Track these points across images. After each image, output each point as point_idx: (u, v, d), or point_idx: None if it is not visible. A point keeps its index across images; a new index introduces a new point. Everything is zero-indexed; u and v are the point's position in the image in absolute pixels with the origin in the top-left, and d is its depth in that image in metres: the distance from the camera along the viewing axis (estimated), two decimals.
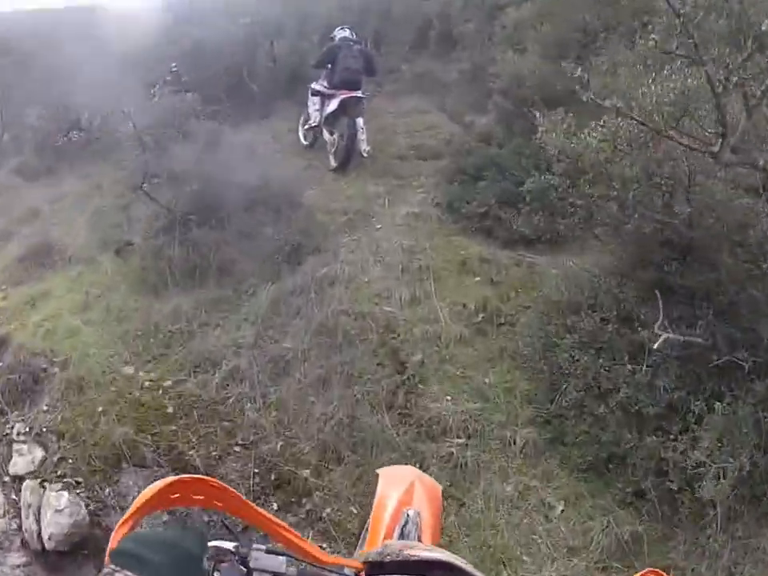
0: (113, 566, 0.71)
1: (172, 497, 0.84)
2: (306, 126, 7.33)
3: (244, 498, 0.87)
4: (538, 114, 4.10)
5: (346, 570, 1.00)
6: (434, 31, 9.55)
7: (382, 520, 1.55)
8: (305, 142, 7.56)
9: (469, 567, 0.91)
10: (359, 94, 6.80)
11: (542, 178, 4.60)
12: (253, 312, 4.83)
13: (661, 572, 0.93)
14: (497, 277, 5.00)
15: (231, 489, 0.87)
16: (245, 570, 0.89)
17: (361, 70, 6.88)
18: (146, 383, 4.47)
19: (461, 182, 5.86)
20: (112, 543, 0.78)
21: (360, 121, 6.69)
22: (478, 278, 5.03)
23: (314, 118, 7.12)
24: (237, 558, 0.89)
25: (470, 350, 4.45)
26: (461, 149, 6.31)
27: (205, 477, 0.87)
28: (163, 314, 4.99)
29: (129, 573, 0.70)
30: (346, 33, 7.22)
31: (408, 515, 1.50)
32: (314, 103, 7.13)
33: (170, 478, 0.84)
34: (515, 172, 5.40)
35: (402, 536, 1.45)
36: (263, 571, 0.89)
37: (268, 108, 8.47)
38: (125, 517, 0.83)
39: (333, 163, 6.86)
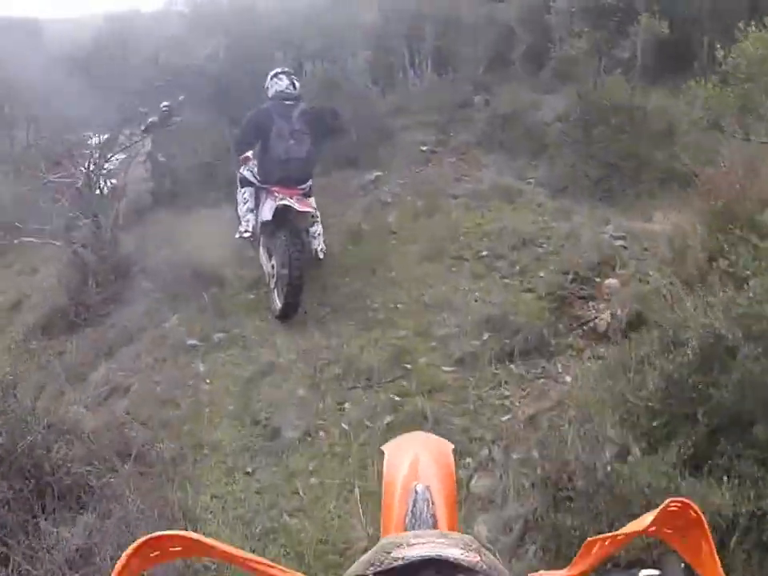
0: None
1: (151, 555, 0.82)
2: (241, 230, 4.75)
3: (223, 544, 0.84)
4: None
5: None
6: (520, 46, 7.30)
7: (392, 503, 1.45)
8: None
9: (467, 556, 0.81)
10: (305, 189, 4.58)
11: None
12: None
13: (686, 501, 0.88)
14: None
15: (207, 539, 0.83)
16: None
17: (306, 156, 4.53)
18: None
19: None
20: None
21: (314, 230, 4.62)
22: None
23: (246, 222, 4.71)
24: None
25: None
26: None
27: (179, 532, 0.84)
28: None
29: None
30: (283, 83, 4.73)
31: (417, 491, 1.40)
32: (244, 199, 4.80)
33: (143, 538, 0.80)
34: None
35: (414, 517, 1.37)
36: None
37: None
38: None
39: (276, 304, 4.45)
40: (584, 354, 3.65)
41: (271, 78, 4.81)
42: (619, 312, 3.69)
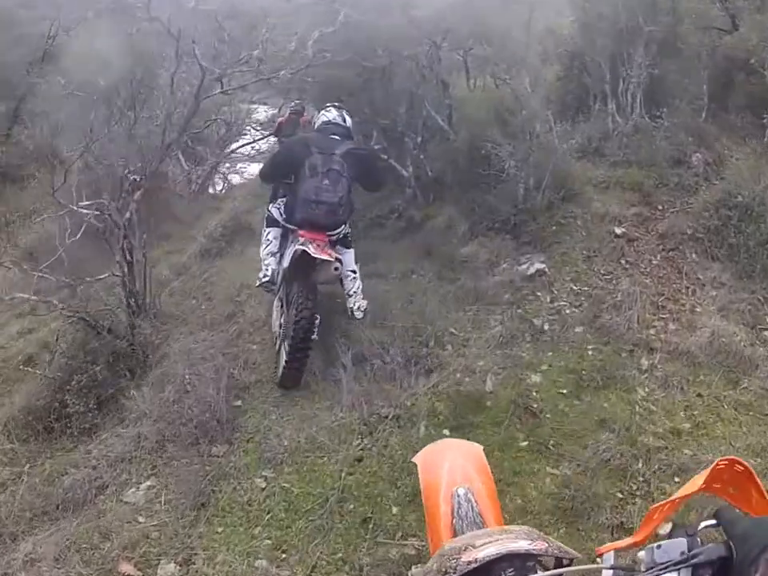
0: None
1: None
2: (259, 276, 3.97)
3: None
4: None
5: None
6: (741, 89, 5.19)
7: (436, 511, 1.48)
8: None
9: (535, 546, 0.92)
10: (335, 236, 3.87)
11: None
12: None
13: (733, 458, 0.92)
14: None
15: None
16: None
17: (338, 201, 3.76)
18: None
19: None
20: None
21: (349, 286, 3.90)
22: None
23: (266, 267, 3.95)
24: None
25: None
26: None
27: None
28: None
29: None
30: (331, 114, 4.10)
31: (458, 494, 1.45)
32: (267, 240, 4.07)
33: None
34: None
35: (460, 519, 1.40)
36: None
37: None
38: None
39: (280, 366, 3.69)
40: None
41: (320, 111, 4.27)
42: None
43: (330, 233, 3.81)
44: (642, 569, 0.90)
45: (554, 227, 4.49)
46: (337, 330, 3.97)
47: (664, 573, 0.88)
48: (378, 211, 5.11)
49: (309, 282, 3.64)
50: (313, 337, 3.53)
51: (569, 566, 1.01)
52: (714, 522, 0.93)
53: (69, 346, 3.85)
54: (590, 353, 3.57)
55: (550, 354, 3.59)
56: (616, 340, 3.61)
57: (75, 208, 3.99)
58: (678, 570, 0.88)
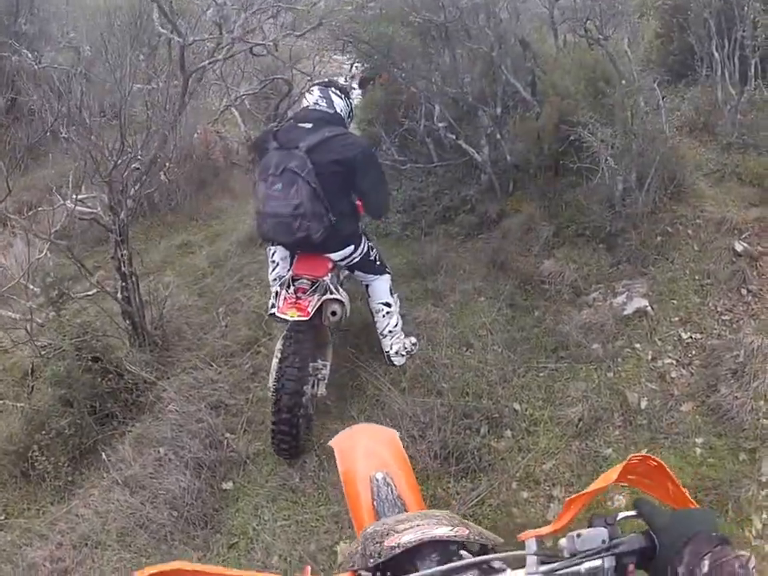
0: None
1: None
2: (268, 305, 2.98)
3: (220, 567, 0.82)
4: None
5: None
6: None
7: (357, 496, 1.47)
8: None
9: (456, 532, 0.96)
10: (343, 263, 3.00)
11: None
12: None
13: (646, 454, 0.96)
14: None
15: (208, 566, 0.81)
16: None
17: (296, 213, 2.70)
18: None
19: None
20: None
21: (383, 324, 3.13)
22: None
23: (274, 294, 2.88)
24: None
25: None
26: None
27: (175, 563, 0.79)
28: None
29: None
30: (313, 96, 2.99)
31: (377, 479, 1.45)
32: (272, 261, 3.23)
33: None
34: None
35: (381, 502, 1.40)
36: None
37: None
38: None
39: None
40: None
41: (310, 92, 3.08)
42: None
43: (331, 254, 2.85)
44: (566, 555, 0.89)
45: (659, 238, 3.44)
46: (365, 388, 3.08)
47: (587, 560, 0.88)
48: (448, 202, 4.12)
49: (293, 341, 2.68)
50: (309, 412, 2.73)
51: (493, 551, 1.01)
52: (633, 513, 0.93)
53: (51, 378, 3.05)
54: (697, 451, 2.55)
55: (645, 450, 2.56)
56: (734, 430, 2.58)
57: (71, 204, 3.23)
58: (603, 557, 0.87)
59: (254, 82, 5.21)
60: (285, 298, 2.69)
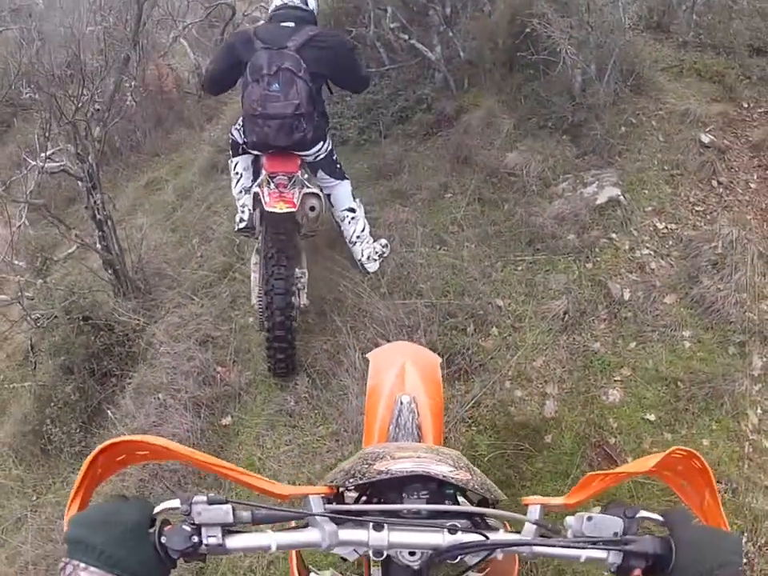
0: (65, 560, 0.69)
1: (117, 460, 0.79)
2: (236, 221, 3.01)
3: (190, 450, 0.77)
4: None
5: (312, 500, 0.82)
6: None
7: (376, 411, 1.40)
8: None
9: (456, 474, 0.84)
10: (312, 156, 2.89)
11: None
12: None
13: (692, 451, 0.81)
14: None
15: (175, 444, 0.77)
16: (192, 528, 0.76)
17: (296, 112, 2.65)
18: None
19: None
20: (65, 525, 0.73)
21: (349, 230, 3.12)
22: None
23: (242, 208, 2.97)
24: (183, 517, 0.77)
25: None
26: None
27: (146, 437, 0.76)
28: None
29: (81, 563, 0.68)
30: None
31: (402, 402, 1.36)
32: (236, 173, 3.17)
33: (110, 441, 0.75)
34: None
35: (398, 427, 1.31)
36: (211, 525, 0.76)
37: None
38: (72, 493, 0.76)
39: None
40: None
41: None
42: None
43: (304, 153, 2.81)
44: (569, 535, 0.80)
45: (624, 128, 3.42)
46: (344, 298, 3.00)
47: (592, 548, 0.77)
48: (404, 102, 3.97)
49: (279, 239, 2.62)
50: (294, 324, 2.65)
51: (493, 506, 0.91)
52: (660, 518, 0.79)
53: (49, 350, 3.01)
54: (686, 344, 2.58)
55: (633, 344, 2.60)
56: (721, 323, 2.61)
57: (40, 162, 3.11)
58: (609, 550, 0.77)
59: (199, 11, 5.25)
60: (269, 193, 2.64)
